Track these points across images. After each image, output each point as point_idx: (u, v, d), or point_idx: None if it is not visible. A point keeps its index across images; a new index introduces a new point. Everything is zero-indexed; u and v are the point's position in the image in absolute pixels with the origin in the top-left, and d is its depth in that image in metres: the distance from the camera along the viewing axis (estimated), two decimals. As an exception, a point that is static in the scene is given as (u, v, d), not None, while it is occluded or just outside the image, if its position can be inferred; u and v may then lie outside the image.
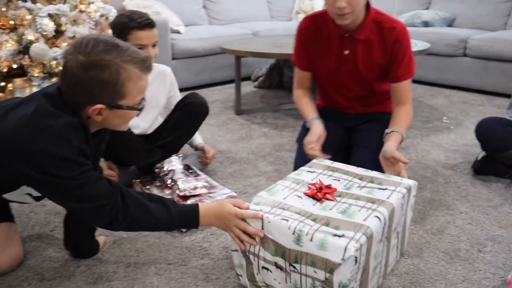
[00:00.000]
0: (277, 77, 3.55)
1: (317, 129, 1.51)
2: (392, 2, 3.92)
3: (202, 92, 3.45)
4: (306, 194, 1.14)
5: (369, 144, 1.55)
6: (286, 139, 2.34)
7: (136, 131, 1.80)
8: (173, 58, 3.37)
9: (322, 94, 1.81)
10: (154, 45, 1.67)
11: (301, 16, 4.72)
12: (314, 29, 1.59)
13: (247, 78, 3.94)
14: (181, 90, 3.59)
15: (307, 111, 1.63)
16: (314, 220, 1.02)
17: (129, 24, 1.59)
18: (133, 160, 1.73)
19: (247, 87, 3.62)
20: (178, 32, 3.48)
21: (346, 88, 1.65)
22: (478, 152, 2.11)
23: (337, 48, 1.56)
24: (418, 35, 3.59)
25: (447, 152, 2.12)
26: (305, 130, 1.66)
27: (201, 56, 3.52)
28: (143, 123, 1.83)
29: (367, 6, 1.50)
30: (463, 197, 1.66)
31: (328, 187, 1.17)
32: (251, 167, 1.98)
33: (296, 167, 1.58)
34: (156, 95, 1.83)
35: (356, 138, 1.66)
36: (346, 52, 1.55)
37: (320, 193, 1.13)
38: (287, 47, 2.63)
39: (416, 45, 2.71)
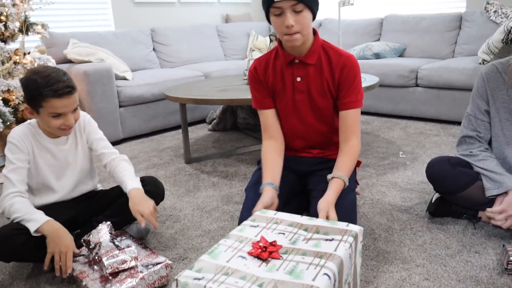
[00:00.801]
0: (231, 119, 3.43)
1: (265, 198, 1.36)
2: (337, 36, 3.92)
3: (154, 139, 3.29)
4: (250, 253, 1.05)
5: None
6: (236, 189, 2.19)
7: (53, 197, 1.63)
8: (121, 106, 3.21)
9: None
10: (74, 110, 1.51)
11: (255, 54, 4.68)
12: (264, 66, 1.56)
13: (203, 121, 3.81)
14: (132, 138, 3.46)
15: (265, 172, 1.48)
16: (260, 285, 0.94)
17: (43, 90, 1.40)
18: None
19: (202, 131, 3.48)
20: (124, 78, 3.34)
21: (303, 122, 1.57)
22: (433, 190, 2.02)
23: (289, 77, 1.53)
24: (370, 67, 3.58)
25: (403, 192, 2.02)
26: (256, 178, 1.56)
27: (150, 102, 3.38)
28: (61, 187, 1.64)
29: (314, 33, 1.49)
30: (419, 246, 1.53)
31: (273, 244, 1.07)
32: (195, 226, 1.81)
33: (241, 220, 1.45)
34: (69, 155, 1.64)
35: (313, 184, 1.54)
36: (298, 79, 1.51)
37: (265, 252, 1.05)
38: (234, 91, 2.52)
39: (365, 79, 2.65)
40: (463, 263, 1.41)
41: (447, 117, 3.22)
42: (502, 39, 2.76)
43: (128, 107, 3.25)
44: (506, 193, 1.50)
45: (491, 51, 2.93)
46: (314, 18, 1.41)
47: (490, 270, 1.37)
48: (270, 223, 1.19)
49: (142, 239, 1.71)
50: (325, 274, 0.96)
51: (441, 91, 3.21)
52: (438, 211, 1.71)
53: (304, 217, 1.23)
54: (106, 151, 1.67)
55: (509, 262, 1.33)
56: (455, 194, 1.61)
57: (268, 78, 1.55)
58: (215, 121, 3.46)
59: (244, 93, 2.41)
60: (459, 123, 3.22)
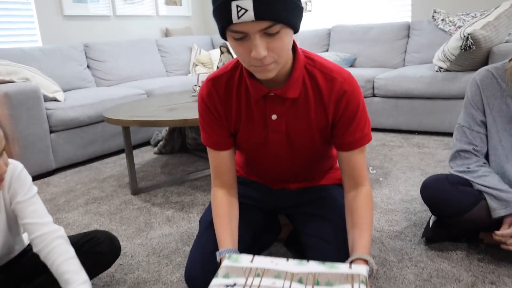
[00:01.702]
0: (179, 140, 3.08)
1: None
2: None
3: (93, 167, 2.85)
4: None
5: (330, 237, 1.14)
6: (195, 223, 1.85)
7: None
8: (52, 131, 2.75)
9: (243, 163, 1.35)
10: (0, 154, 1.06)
11: (199, 68, 4.36)
12: (224, 93, 1.10)
13: (147, 143, 3.42)
14: (68, 167, 2.98)
15: (221, 234, 1.08)
16: (300, 280, 0.86)
17: None
18: None
19: (147, 154, 3.09)
20: (55, 99, 2.88)
21: (279, 164, 1.22)
22: (418, 208, 1.81)
23: (260, 113, 1.09)
24: (323, 79, 3.40)
25: (387, 215, 1.79)
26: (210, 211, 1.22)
27: (86, 125, 2.94)
28: None
29: (293, 48, 1.04)
30: (426, 282, 1.29)
31: None
32: (153, 278, 1.45)
33: (188, 271, 1.11)
34: None
35: (303, 225, 1.23)
36: (274, 117, 1.08)
37: None
38: (184, 109, 2.19)
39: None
40: (482, 301, 1.19)
41: (407, 127, 3.10)
42: (461, 46, 2.68)
43: (61, 132, 2.80)
44: (515, 212, 1.31)
45: (447, 58, 2.85)
46: (296, 31, 0.94)
47: (516, 307, 1.16)
48: (250, 277, 0.89)
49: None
50: None
51: (399, 100, 3.09)
52: (435, 236, 1.50)
53: (290, 260, 0.93)
54: (35, 221, 1.16)
55: (539, 297, 1.12)
56: (458, 217, 1.39)
57: (229, 110, 1.11)
58: (161, 143, 3.09)
59: (197, 112, 2.09)
60: (419, 133, 3.11)
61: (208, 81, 1.11)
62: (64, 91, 3.35)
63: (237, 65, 1.09)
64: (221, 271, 0.91)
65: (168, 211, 2.02)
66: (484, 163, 1.44)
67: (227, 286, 0.87)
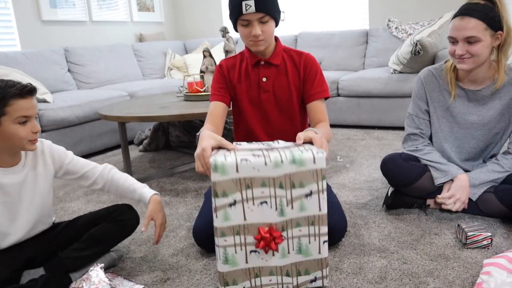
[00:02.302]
0: (163, 138, 3.36)
1: (207, 137, 1.26)
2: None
3: (82, 165, 3.07)
4: (262, 247, 1.18)
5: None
6: (192, 205, 2.16)
7: (5, 241, 1.40)
8: (43, 131, 2.97)
9: (241, 137, 1.76)
10: (36, 117, 1.39)
11: (174, 73, 4.65)
12: (231, 65, 1.70)
13: (130, 143, 3.66)
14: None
15: (201, 130, 1.47)
16: (288, 274, 1.19)
17: (6, 92, 1.25)
18: None
19: (132, 152, 3.35)
20: (45, 101, 3.10)
21: (268, 121, 1.68)
22: (379, 186, 2.20)
23: (255, 77, 1.66)
24: (293, 80, 3.78)
25: (354, 192, 2.17)
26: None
27: (75, 125, 3.17)
28: (16, 230, 1.41)
29: (276, 40, 1.66)
30: (387, 236, 1.67)
31: (272, 233, 1.18)
32: (165, 247, 1.75)
33: (196, 223, 1.59)
34: (26, 189, 1.41)
35: None
36: (264, 79, 1.65)
37: (273, 243, 1.18)
38: (174, 107, 2.49)
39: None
40: (428, 245, 1.58)
41: (368, 123, 3.53)
42: (411, 51, 3.13)
43: (51, 131, 3.02)
44: (452, 180, 1.72)
45: (401, 62, 3.29)
46: (276, 25, 1.59)
47: (452, 247, 1.55)
48: (243, 190, 1.16)
49: (114, 267, 1.61)
50: (325, 241, 1.21)
51: (361, 99, 3.51)
52: (393, 203, 1.88)
53: (267, 162, 1.15)
54: (89, 168, 1.55)
55: (467, 237, 1.52)
56: (409, 186, 1.79)
57: (232, 77, 1.69)
58: (146, 141, 3.36)
59: (188, 108, 2.40)
60: (379, 127, 3.54)
61: (223, 60, 1.74)
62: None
63: (239, 54, 1.71)
64: (218, 190, 1.15)
65: (165, 197, 2.31)
66: (429, 143, 1.84)
67: (230, 205, 1.16)
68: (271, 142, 1.32)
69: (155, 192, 1.57)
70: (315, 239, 1.19)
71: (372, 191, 2.16)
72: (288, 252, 1.18)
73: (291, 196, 1.17)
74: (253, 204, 1.17)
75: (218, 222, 1.18)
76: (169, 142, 3.40)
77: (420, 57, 3.17)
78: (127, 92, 3.66)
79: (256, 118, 1.70)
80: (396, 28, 3.95)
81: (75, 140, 3.16)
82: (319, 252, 1.19)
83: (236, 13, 1.50)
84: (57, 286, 1.38)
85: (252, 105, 1.69)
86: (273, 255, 1.16)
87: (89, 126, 3.26)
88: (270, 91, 1.66)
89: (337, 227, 1.51)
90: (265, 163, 1.13)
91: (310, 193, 1.17)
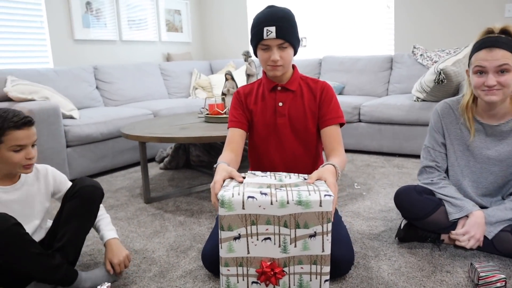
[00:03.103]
0: (184, 157, 3.42)
1: (221, 170, 1.33)
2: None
3: (104, 179, 3.17)
4: (262, 281, 1.22)
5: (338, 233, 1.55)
6: (205, 227, 2.19)
7: None
8: (68, 146, 3.08)
9: (256, 161, 1.79)
10: (33, 145, 1.50)
11: (199, 92, 4.75)
12: (248, 91, 1.76)
13: (151, 160, 3.75)
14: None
15: (219, 160, 1.50)
16: None
17: (3, 124, 1.42)
18: (30, 271, 1.41)
19: (153, 170, 3.42)
20: (71, 117, 3.22)
21: (283, 146, 1.71)
22: (394, 217, 2.18)
23: (271, 102, 1.71)
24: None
25: (368, 221, 2.15)
26: None
27: (99, 141, 3.28)
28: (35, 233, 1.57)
29: (293, 67, 1.73)
30: (397, 270, 1.65)
31: (274, 267, 1.21)
32: (174, 267, 1.78)
33: (206, 246, 1.61)
34: (25, 206, 1.57)
35: None
36: (280, 104, 1.70)
37: (274, 278, 1.21)
38: (193, 129, 2.55)
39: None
40: (438, 283, 1.55)
41: (389, 150, 3.50)
42: (434, 80, 3.11)
43: (76, 147, 3.13)
44: (467, 216, 1.69)
45: (424, 90, 3.27)
46: (295, 53, 1.65)
47: (463, 287, 1.51)
48: (248, 225, 1.20)
49: (114, 282, 1.65)
50: (326, 280, 1.22)
51: (382, 126, 3.49)
52: (406, 236, 1.86)
53: (273, 202, 1.18)
54: None
55: (480, 278, 1.48)
56: (422, 220, 1.77)
57: (249, 102, 1.74)
58: (167, 159, 3.43)
59: (208, 131, 2.45)
60: (400, 155, 3.51)
61: (240, 87, 1.81)
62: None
63: (258, 81, 1.78)
64: (224, 223, 1.20)
65: (179, 217, 2.35)
66: (444, 177, 1.82)
67: (235, 238, 1.21)
68: (283, 176, 1.35)
69: (114, 236, 1.69)
70: (316, 277, 1.21)
71: (387, 221, 2.14)
72: (289, 287, 1.20)
73: (295, 235, 1.20)
74: (257, 239, 1.21)
75: (222, 252, 1.24)
76: (189, 161, 3.46)
77: (444, 86, 3.15)
78: (151, 110, 3.76)
79: (271, 142, 1.73)
80: (421, 55, 3.94)
81: (98, 156, 3.26)
82: None
83: (257, 38, 1.58)
84: (66, 273, 1.50)
85: (268, 129, 1.73)
86: (271, 203, 1.17)
87: (112, 142, 3.36)
88: (286, 115, 1.70)
89: (342, 260, 1.51)
90: (271, 203, 1.17)
91: (314, 234, 1.20)
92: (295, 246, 1.21)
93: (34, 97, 3.11)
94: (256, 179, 1.30)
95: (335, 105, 1.68)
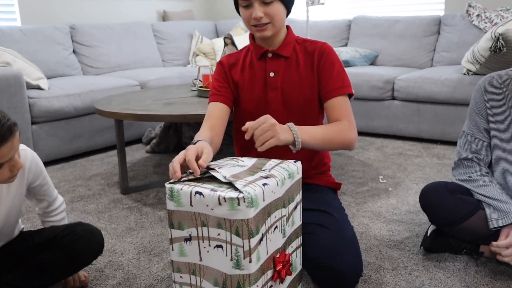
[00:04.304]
0: (175, 138, 3.40)
1: (191, 149, 1.28)
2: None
3: (77, 165, 3.18)
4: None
5: (329, 224, 1.50)
6: (190, 225, 2.16)
7: None
8: (34, 123, 3.09)
9: (242, 145, 1.76)
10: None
11: (200, 59, 4.69)
12: (233, 61, 1.71)
13: (138, 141, 3.74)
14: (50, 163, 3.32)
15: (198, 136, 1.46)
16: None
17: None
18: None
19: (138, 153, 3.41)
20: (38, 87, 3.22)
21: None
22: (424, 220, 2.10)
23: (261, 72, 1.65)
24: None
25: (390, 224, 2.08)
26: None
27: (72, 117, 3.28)
28: None
29: (287, 27, 1.67)
30: (417, 289, 1.58)
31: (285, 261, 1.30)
32: (143, 274, 1.75)
33: None
34: (4, 200, 1.45)
35: (305, 217, 1.54)
36: (271, 74, 1.64)
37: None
38: (183, 104, 2.50)
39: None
40: (469, 307, 1.48)
41: (429, 135, 3.39)
42: (490, 47, 2.97)
43: (44, 124, 3.13)
44: None
45: (477, 60, 3.14)
46: (288, 12, 1.60)
47: (500, 313, 1.44)
48: (199, 226, 1.20)
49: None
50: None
51: (421, 105, 3.38)
52: (434, 246, 1.78)
53: (222, 202, 1.15)
54: (47, 198, 1.64)
55: (521, 303, 1.41)
56: (454, 226, 1.68)
57: (234, 74, 1.69)
58: (154, 141, 3.41)
59: (197, 107, 2.40)
60: (442, 142, 3.40)
61: (224, 56, 1.74)
62: (47, 78, 3.67)
63: (245, 47, 1.71)
64: (174, 220, 1.22)
65: (160, 211, 2.32)
66: (487, 173, 1.73)
67: (186, 240, 1.22)
68: (268, 163, 1.36)
69: None
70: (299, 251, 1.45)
71: (414, 226, 2.06)
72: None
73: (287, 212, 1.33)
74: (209, 245, 1.21)
75: (174, 255, 1.27)
76: (181, 144, 3.43)
77: (503, 55, 3.01)
78: (138, 81, 3.73)
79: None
80: (478, 15, 3.78)
81: (71, 135, 3.26)
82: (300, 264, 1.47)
83: None
84: None
85: (257, 106, 1.67)
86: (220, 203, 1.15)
87: (89, 119, 3.36)
88: (278, 88, 1.64)
89: (348, 272, 1.44)
90: (219, 202, 1.15)
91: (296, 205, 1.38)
92: (289, 225, 1.34)
93: (-6, 62, 3.11)
94: (231, 169, 1.26)
95: (339, 72, 1.60)
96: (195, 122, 3.34)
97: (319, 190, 1.69)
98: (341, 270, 1.43)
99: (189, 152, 1.25)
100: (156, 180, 2.78)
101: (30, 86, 3.16)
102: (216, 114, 1.63)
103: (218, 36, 5.18)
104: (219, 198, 1.12)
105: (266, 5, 1.50)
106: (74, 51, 4.03)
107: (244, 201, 1.10)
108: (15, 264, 1.54)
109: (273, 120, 1.34)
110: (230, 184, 1.18)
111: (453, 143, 3.37)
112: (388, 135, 3.66)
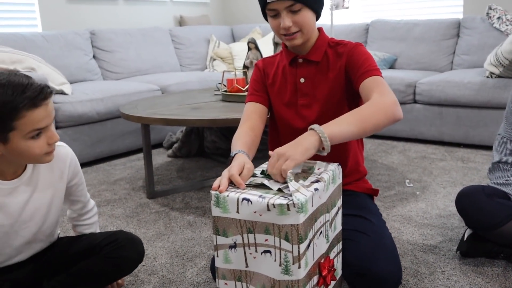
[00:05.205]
0: (196, 143, 3.40)
1: (236, 165, 1.27)
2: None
3: (100, 169, 3.19)
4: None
5: (369, 230, 1.46)
6: (220, 229, 2.16)
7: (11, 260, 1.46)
8: (57, 127, 3.10)
9: (276, 147, 1.72)
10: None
11: (217, 64, 4.70)
12: (269, 62, 1.70)
13: (158, 145, 3.75)
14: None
15: (235, 145, 1.44)
16: None
17: (14, 103, 1.19)
18: None
19: (159, 157, 3.42)
20: (62, 92, 3.23)
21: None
22: (456, 224, 2.09)
23: (292, 78, 1.61)
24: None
25: (422, 229, 2.07)
26: None
27: (95, 122, 3.29)
28: (12, 248, 1.45)
29: (319, 30, 1.61)
30: (457, 293, 1.57)
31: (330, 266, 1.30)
32: (178, 279, 1.75)
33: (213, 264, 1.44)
34: (29, 207, 1.43)
35: (344, 223, 1.52)
36: (302, 80, 1.60)
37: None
38: (207, 109, 2.50)
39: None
40: (512, 312, 1.46)
41: (451, 139, 3.37)
42: (514, 50, 2.95)
43: (67, 128, 3.14)
44: (551, 227, 1.58)
45: (501, 63, 3.12)
46: (318, 16, 1.54)
47: (545, 318, 1.43)
48: (244, 233, 1.20)
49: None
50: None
51: (444, 109, 3.36)
52: (471, 250, 1.77)
53: (271, 208, 1.15)
54: (82, 198, 1.64)
55: None
56: (492, 230, 1.67)
57: (268, 74, 1.68)
58: (176, 145, 3.41)
59: (225, 111, 2.40)
60: (465, 145, 3.38)
61: (261, 59, 1.74)
62: (70, 83, 3.69)
63: (280, 52, 1.69)
64: (219, 227, 1.20)
65: (188, 216, 2.32)
66: (524, 176, 1.71)
67: (230, 247, 1.20)
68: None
69: None
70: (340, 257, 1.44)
71: (446, 230, 2.05)
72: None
73: (330, 217, 1.33)
74: (256, 251, 1.19)
75: (219, 262, 1.25)
76: (203, 148, 3.43)
77: (526, 58, 2.99)
78: (158, 85, 3.74)
79: (294, 127, 1.63)
80: (498, 18, 3.76)
81: (94, 140, 3.27)
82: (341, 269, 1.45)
83: (261, 2, 1.49)
84: None
85: (288, 111, 1.64)
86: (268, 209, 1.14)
87: (111, 124, 3.37)
88: (309, 94, 1.60)
89: (386, 278, 1.42)
90: (268, 208, 1.15)
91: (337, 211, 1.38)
92: (332, 230, 1.34)
93: (17, 67, 3.12)
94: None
95: (368, 58, 1.52)
96: (216, 127, 3.35)
97: (356, 195, 1.66)
98: (381, 276, 1.41)
99: (232, 169, 1.25)
100: (182, 184, 2.78)
101: (54, 91, 3.18)
102: (255, 115, 1.61)
103: (234, 41, 5.19)
104: (268, 204, 1.11)
105: (294, 14, 1.45)
106: (94, 56, 4.05)
107: (294, 206, 1.09)
108: (55, 271, 1.54)
109: (278, 150, 1.24)
110: (276, 190, 1.18)
111: (477, 146, 3.35)
112: (410, 139, 3.64)
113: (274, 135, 1.75)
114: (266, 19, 1.55)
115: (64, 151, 1.51)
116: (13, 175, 1.38)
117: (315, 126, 1.28)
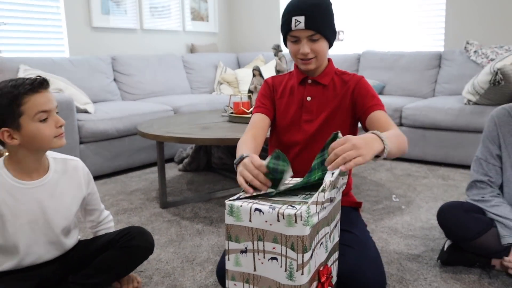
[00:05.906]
0: (205, 158, 3.43)
1: (255, 159, 1.25)
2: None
3: (118, 180, 3.22)
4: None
5: (354, 243, 1.48)
6: (224, 237, 2.18)
7: (12, 262, 1.48)
8: (81, 143, 3.14)
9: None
10: (57, 112, 1.44)
11: (224, 87, 4.75)
12: (278, 81, 1.73)
13: (170, 160, 3.78)
14: (94, 178, 3.34)
15: (241, 149, 1.43)
16: None
17: (17, 92, 1.31)
18: None
19: (171, 171, 3.45)
20: (85, 111, 3.28)
21: (309, 148, 1.64)
22: (437, 236, 2.11)
23: (299, 95, 1.66)
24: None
25: (406, 239, 2.09)
26: None
27: (114, 138, 3.32)
28: (30, 253, 1.49)
29: (328, 60, 1.69)
30: (438, 298, 1.59)
31: (327, 274, 1.28)
32: (189, 281, 1.77)
33: (221, 258, 1.51)
34: (61, 204, 1.52)
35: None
36: (308, 98, 1.65)
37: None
38: (216, 129, 2.54)
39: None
40: (487, 316, 1.48)
41: (433, 158, 3.40)
42: (490, 80, 3.00)
43: (90, 143, 3.18)
44: (522, 240, 1.61)
45: (477, 92, 3.16)
46: (331, 46, 1.61)
47: (516, 322, 1.45)
48: (255, 240, 1.21)
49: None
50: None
51: (427, 131, 3.40)
52: (450, 259, 1.79)
53: (280, 219, 1.16)
54: (97, 207, 1.71)
55: (536, 314, 1.41)
56: (469, 242, 1.70)
57: (277, 90, 1.72)
58: (186, 160, 3.44)
59: (231, 132, 2.44)
60: (446, 165, 3.41)
61: (270, 77, 1.78)
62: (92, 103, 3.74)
63: (289, 73, 1.75)
64: (232, 233, 1.22)
65: (197, 224, 2.35)
66: (498, 194, 1.75)
67: (242, 252, 1.22)
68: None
69: None
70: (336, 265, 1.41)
71: (428, 241, 2.07)
72: None
73: (330, 230, 1.33)
74: (264, 257, 1.21)
75: (229, 265, 1.26)
76: (210, 163, 3.46)
77: (501, 88, 3.03)
78: (171, 106, 3.79)
79: (294, 141, 1.67)
80: (475, 52, 3.82)
81: (113, 154, 3.30)
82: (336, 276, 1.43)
83: (285, 28, 1.55)
84: None
85: (290, 125, 1.67)
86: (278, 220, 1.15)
87: (129, 140, 3.40)
88: (313, 112, 1.64)
89: (371, 283, 1.44)
90: (278, 219, 1.17)
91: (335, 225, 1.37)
92: (332, 241, 1.34)
93: (47, 88, 3.18)
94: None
95: (374, 95, 1.59)
96: (224, 145, 3.38)
97: (342, 210, 1.66)
98: (366, 283, 1.44)
99: (251, 155, 1.28)
100: (191, 196, 2.80)
101: (79, 110, 3.22)
102: (259, 124, 1.64)
103: (239, 67, 5.25)
104: (278, 215, 1.14)
105: (313, 42, 1.52)
106: (114, 79, 4.10)
107: (301, 219, 1.12)
108: (78, 267, 1.59)
109: (355, 140, 1.15)
110: (284, 202, 1.21)
111: (456, 166, 3.38)
112: (396, 158, 3.67)
113: (274, 145, 1.78)
114: (285, 43, 1.61)
115: (77, 164, 1.61)
116: (37, 176, 1.46)
117: (382, 136, 1.22)
